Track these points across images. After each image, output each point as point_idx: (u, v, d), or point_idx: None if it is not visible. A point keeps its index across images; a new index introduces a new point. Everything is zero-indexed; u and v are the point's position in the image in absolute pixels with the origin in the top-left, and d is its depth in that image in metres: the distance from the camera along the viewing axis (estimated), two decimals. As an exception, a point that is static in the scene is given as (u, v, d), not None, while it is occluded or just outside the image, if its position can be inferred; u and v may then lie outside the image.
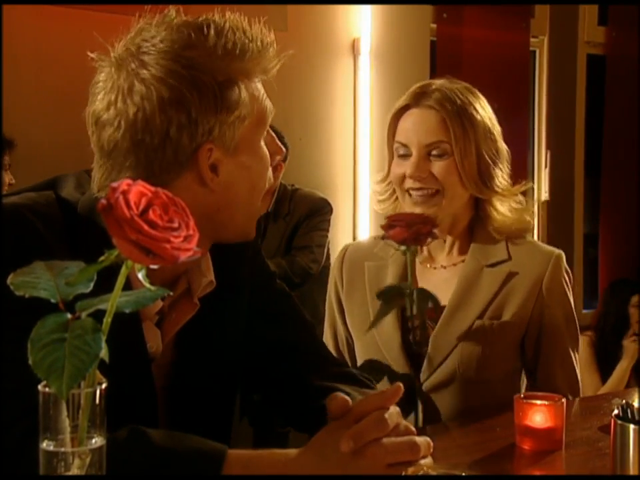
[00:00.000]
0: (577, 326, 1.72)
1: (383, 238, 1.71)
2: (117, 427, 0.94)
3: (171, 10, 1.12)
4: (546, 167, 4.48)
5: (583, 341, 3.82)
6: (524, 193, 1.74)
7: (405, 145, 1.65)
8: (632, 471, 1.04)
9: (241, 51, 1.10)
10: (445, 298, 1.64)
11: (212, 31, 1.09)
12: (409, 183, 1.64)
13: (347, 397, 1.07)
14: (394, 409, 1.06)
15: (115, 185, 0.69)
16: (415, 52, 3.89)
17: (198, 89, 1.07)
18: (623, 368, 3.68)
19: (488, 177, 1.64)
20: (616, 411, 1.07)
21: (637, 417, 1.05)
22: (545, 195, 4.51)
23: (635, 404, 1.06)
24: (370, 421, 1.03)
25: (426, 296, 1.54)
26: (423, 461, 1.03)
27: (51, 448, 0.72)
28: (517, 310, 1.64)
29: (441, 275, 1.72)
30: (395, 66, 3.79)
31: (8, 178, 2.84)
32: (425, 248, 1.73)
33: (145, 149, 1.07)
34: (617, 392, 3.18)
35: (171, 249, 0.68)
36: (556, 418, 1.27)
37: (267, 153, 1.18)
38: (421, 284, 1.66)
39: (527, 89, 4.33)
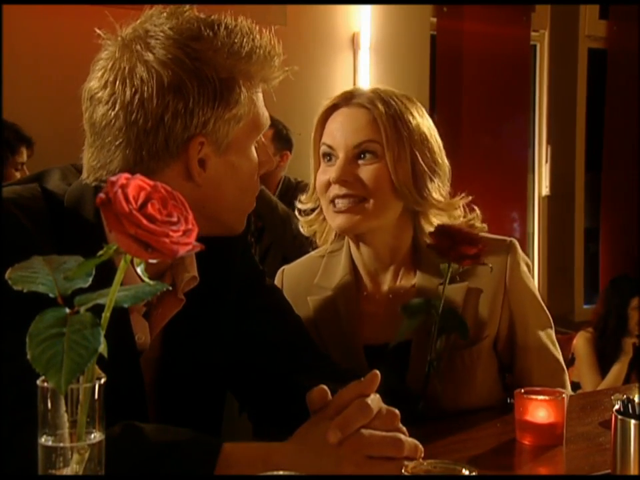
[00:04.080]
0: (543, 306, 1.57)
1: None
2: (107, 419, 0.94)
3: (186, 6, 1.13)
4: (546, 161, 4.47)
5: (583, 337, 3.81)
6: (470, 207, 1.55)
7: (330, 147, 1.49)
8: (632, 466, 1.03)
9: (247, 54, 1.11)
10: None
11: (222, 30, 1.10)
12: (334, 190, 1.47)
13: (325, 388, 1.08)
14: (375, 396, 1.06)
15: (113, 178, 0.68)
16: (415, 46, 3.88)
17: (199, 80, 1.07)
18: (619, 366, 3.68)
19: (423, 186, 1.47)
20: (617, 406, 1.06)
21: (637, 412, 1.05)
22: (545, 190, 4.50)
23: (636, 399, 1.06)
24: (353, 409, 1.03)
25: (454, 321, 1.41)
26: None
27: (50, 443, 0.71)
28: (488, 322, 1.50)
29: (390, 305, 1.53)
30: (395, 60, 3.79)
31: (21, 175, 2.85)
32: (368, 277, 1.57)
33: (137, 131, 1.07)
34: (618, 387, 3.17)
35: (170, 243, 0.68)
36: (557, 413, 1.26)
37: (257, 158, 1.19)
38: (371, 317, 1.54)
39: (528, 83, 4.32)
